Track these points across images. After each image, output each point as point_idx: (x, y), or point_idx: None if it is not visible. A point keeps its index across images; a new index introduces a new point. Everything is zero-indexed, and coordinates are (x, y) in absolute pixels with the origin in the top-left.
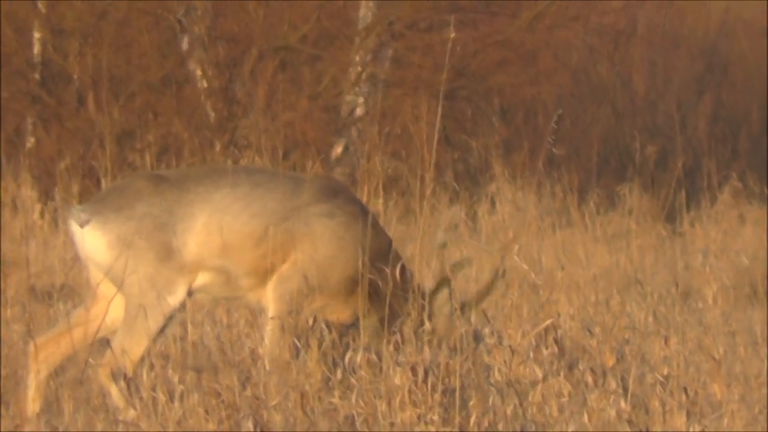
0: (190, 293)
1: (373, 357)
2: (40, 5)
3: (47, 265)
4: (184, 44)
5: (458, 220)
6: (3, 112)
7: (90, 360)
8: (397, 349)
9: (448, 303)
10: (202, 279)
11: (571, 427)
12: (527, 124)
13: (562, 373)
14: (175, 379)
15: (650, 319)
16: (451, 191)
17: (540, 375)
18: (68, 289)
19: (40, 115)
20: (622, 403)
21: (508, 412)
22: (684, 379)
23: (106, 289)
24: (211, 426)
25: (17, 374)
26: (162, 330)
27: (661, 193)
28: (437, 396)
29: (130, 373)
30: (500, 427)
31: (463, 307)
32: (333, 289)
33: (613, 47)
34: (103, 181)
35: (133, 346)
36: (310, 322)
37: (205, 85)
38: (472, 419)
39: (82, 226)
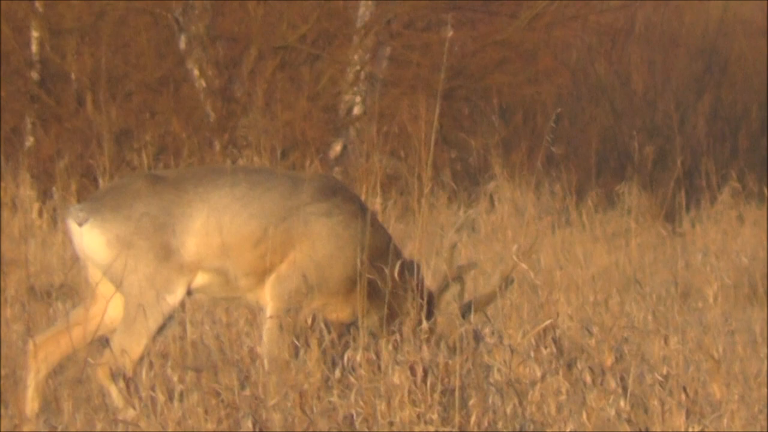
0: (189, 293)
1: (373, 356)
2: (38, 5)
3: (46, 264)
4: (182, 43)
5: (473, 222)
6: (1, 112)
7: (89, 359)
8: (396, 348)
9: (455, 301)
10: (201, 279)
11: (570, 427)
12: (526, 123)
13: (561, 373)
14: (175, 379)
15: (649, 318)
16: (450, 190)
17: (539, 374)
18: (67, 288)
19: (38, 115)
20: (621, 403)
21: (508, 411)
22: (683, 378)
23: (105, 288)
24: (210, 425)
25: (16, 373)
26: (161, 329)
27: (660, 193)
28: (436, 395)
29: (129, 373)
30: (499, 426)
31: (469, 308)
32: (332, 288)
33: (611, 46)
34: (101, 181)
35: (132, 346)
36: (309, 321)
37: (204, 84)
38: (472, 418)
39: (80, 224)
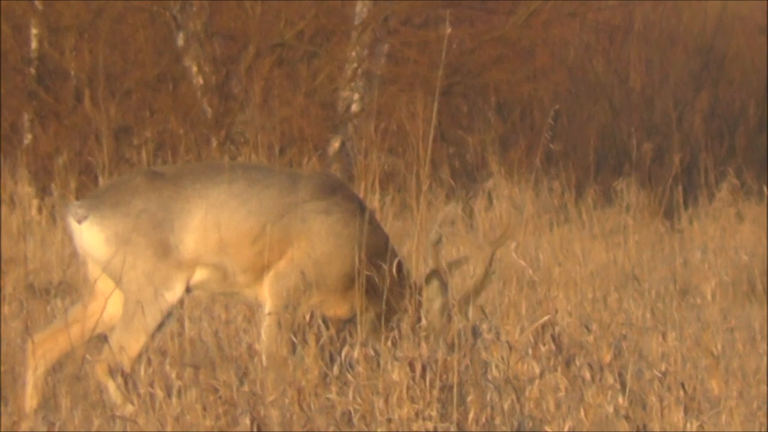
0: (187, 289)
1: (371, 353)
2: (37, 2)
3: (45, 261)
4: (180, 41)
5: (454, 216)
6: (0, 109)
7: (87, 356)
8: (394, 344)
9: (439, 296)
10: (199, 275)
11: (569, 423)
12: (524, 120)
13: (559, 370)
14: (173, 375)
15: (648, 315)
16: (448, 187)
17: (537, 371)
18: (66, 285)
19: (37, 112)
20: (620, 399)
21: (506, 408)
22: (682, 375)
23: (103, 285)
24: (208, 422)
25: (15, 371)
26: (160, 326)
27: (658, 190)
28: (435, 392)
29: (127, 369)
30: (498, 422)
31: (458, 302)
32: (330, 285)
33: (609, 44)
34: (100, 178)
35: (131, 343)
36: (307, 318)
37: (201, 81)
38: (470, 415)
39: (79, 222)
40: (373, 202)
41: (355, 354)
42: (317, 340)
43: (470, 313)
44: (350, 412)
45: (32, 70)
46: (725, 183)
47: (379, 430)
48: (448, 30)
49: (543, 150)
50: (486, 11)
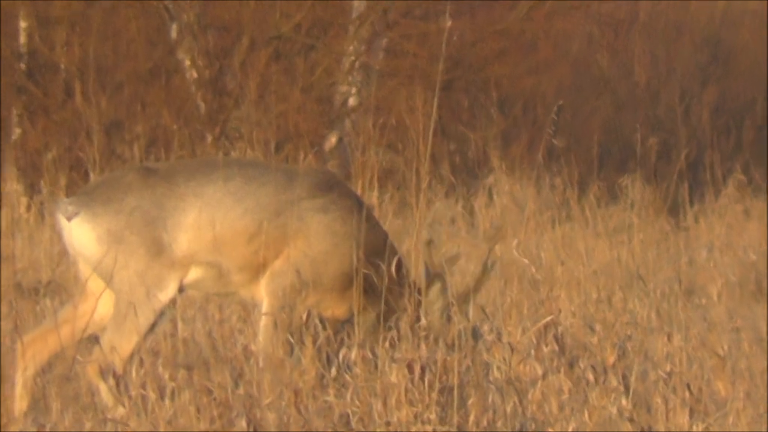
0: (181, 289)
1: (369, 354)
2: None
3: (34, 260)
4: (173, 33)
5: (442, 217)
6: None
7: (78, 357)
8: (393, 345)
9: (441, 298)
10: (193, 274)
11: (572, 426)
12: (526, 115)
13: (562, 371)
14: (166, 377)
15: (653, 315)
16: (448, 184)
17: (540, 372)
18: (56, 285)
19: (26, 107)
20: (624, 401)
21: (508, 410)
22: (687, 376)
23: (94, 285)
24: (202, 425)
25: (4, 372)
26: (152, 326)
27: (663, 186)
28: (434, 394)
29: (119, 371)
30: (499, 425)
31: (456, 302)
32: (327, 284)
33: (613, 36)
34: (90, 174)
35: (122, 343)
36: (304, 318)
37: (195, 75)
38: (471, 418)
39: (69, 219)
40: (372, 199)
41: (353, 355)
42: (314, 341)
43: (470, 313)
44: (348, 415)
45: (21, 64)
46: (732, 179)
47: None
48: (449, 22)
49: (545, 146)
50: (487, 3)
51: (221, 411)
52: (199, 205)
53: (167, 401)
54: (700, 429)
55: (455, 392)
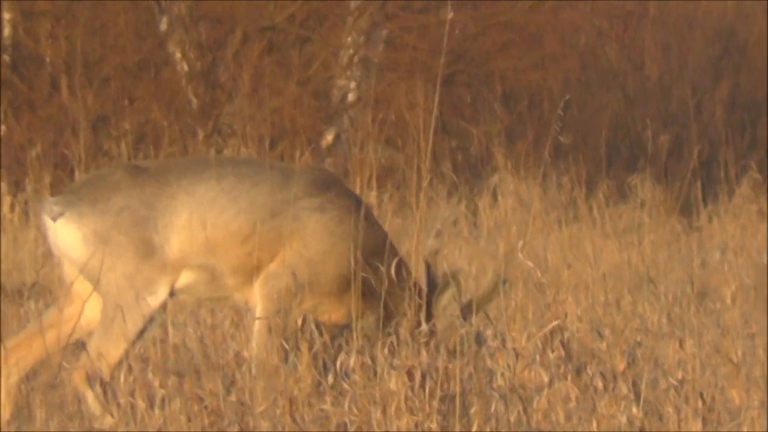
0: (172, 294)
1: (367, 360)
2: None
3: (17, 261)
4: (163, 24)
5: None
6: None
7: (64, 363)
8: (392, 352)
9: (452, 305)
10: (185, 278)
11: None
12: (531, 111)
13: (569, 378)
14: (156, 384)
15: (664, 320)
16: (450, 183)
17: (546, 380)
18: (40, 287)
19: (9, 101)
20: (634, 410)
21: (512, 419)
22: (700, 383)
23: (81, 287)
24: None
25: None
26: (141, 332)
27: (675, 185)
28: (435, 402)
29: (107, 378)
30: None
31: (469, 308)
32: (324, 287)
33: (623, 29)
34: (76, 171)
35: (110, 349)
36: (300, 323)
37: (186, 68)
38: (473, 427)
39: (54, 219)
40: (371, 198)
41: (351, 362)
42: (310, 347)
43: (474, 319)
44: (345, 424)
45: (5, 58)
46: (746, 178)
47: None
48: (450, 14)
49: (552, 143)
50: None
51: (213, 419)
52: (192, 205)
53: (157, 409)
54: None
55: (457, 400)
